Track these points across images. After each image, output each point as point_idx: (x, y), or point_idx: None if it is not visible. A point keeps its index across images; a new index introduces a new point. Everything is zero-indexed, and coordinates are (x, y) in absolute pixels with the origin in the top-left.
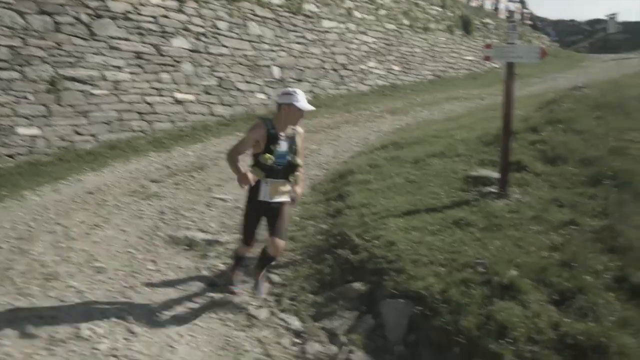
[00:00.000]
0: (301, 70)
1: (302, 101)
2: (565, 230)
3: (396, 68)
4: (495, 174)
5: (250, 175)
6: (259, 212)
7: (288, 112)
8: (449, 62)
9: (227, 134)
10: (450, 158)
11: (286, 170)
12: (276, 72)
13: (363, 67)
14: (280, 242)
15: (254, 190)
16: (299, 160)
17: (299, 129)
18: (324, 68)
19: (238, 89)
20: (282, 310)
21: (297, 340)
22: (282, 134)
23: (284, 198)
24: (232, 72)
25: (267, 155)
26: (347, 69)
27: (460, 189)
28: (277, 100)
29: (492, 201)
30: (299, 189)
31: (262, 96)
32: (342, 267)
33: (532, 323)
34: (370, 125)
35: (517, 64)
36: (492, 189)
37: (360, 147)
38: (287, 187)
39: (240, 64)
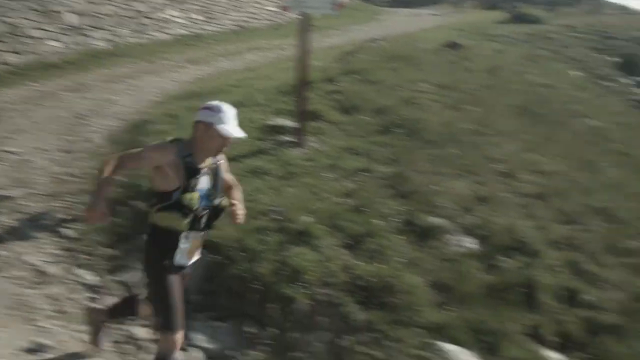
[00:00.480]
0: (99, 17)
1: (228, 124)
2: (358, 177)
3: (199, 17)
4: (293, 123)
5: (102, 213)
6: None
7: (204, 135)
8: (252, 12)
9: (19, 83)
10: (249, 107)
11: (210, 218)
12: (71, 18)
13: (164, 15)
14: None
15: (163, 248)
16: (226, 202)
17: (221, 158)
18: (122, 15)
19: (30, 36)
20: (77, 266)
21: (92, 295)
22: (201, 165)
23: (197, 256)
24: (24, 17)
25: (192, 194)
26: (148, 17)
27: (258, 138)
28: (195, 117)
29: (289, 150)
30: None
31: (56, 44)
32: (138, 219)
33: (325, 267)
34: (170, 75)
35: (315, 16)
36: (289, 138)
37: (159, 97)
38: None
39: (33, 9)
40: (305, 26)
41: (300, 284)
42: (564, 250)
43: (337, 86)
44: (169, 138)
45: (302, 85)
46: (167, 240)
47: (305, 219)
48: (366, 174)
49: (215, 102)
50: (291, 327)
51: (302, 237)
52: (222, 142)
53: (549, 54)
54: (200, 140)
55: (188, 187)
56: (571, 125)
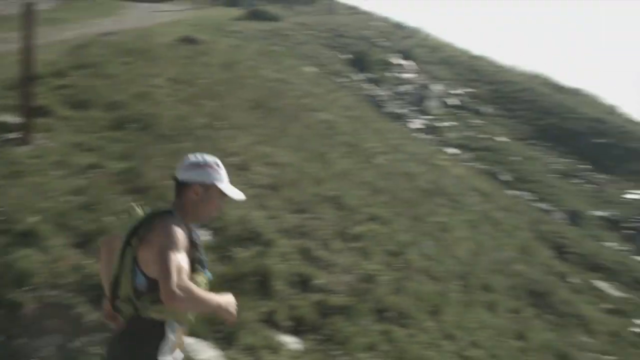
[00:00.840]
0: None
1: (227, 181)
2: (89, 173)
3: None
4: (18, 120)
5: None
6: None
7: (203, 198)
8: None
9: None
10: None
11: None
12: None
13: None
14: None
15: (148, 346)
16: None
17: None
18: None
19: None
20: None
21: None
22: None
23: (181, 354)
24: None
25: (200, 276)
26: None
27: None
28: (183, 177)
29: (14, 148)
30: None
31: None
32: None
33: (54, 268)
34: None
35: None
36: (14, 135)
37: None
38: None
39: None
40: (29, 18)
41: (27, 287)
42: (296, 238)
43: (68, 81)
44: (142, 208)
45: (27, 80)
46: (152, 335)
47: (31, 219)
48: (98, 170)
49: (207, 157)
50: (19, 333)
51: (28, 238)
52: (221, 204)
53: (284, 50)
54: (195, 205)
55: (193, 267)
56: (303, 119)
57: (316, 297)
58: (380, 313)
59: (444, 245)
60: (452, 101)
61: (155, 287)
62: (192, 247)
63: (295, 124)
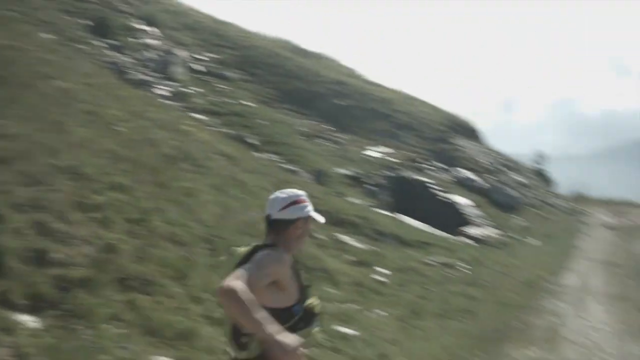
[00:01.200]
0: None
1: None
2: None
3: None
4: None
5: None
6: None
7: (304, 230)
8: None
9: None
10: None
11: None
12: None
13: None
14: None
15: None
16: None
17: None
18: None
19: None
20: None
21: None
22: None
23: None
24: None
25: (312, 299)
26: None
27: None
28: (285, 216)
29: None
30: None
31: None
32: None
33: None
34: None
35: None
36: None
37: None
38: None
39: None
40: None
41: None
42: (30, 212)
43: None
44: (253, 244)
45: None
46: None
47: None
48: None
49: (296, 191)
50: None
51: None
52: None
53: (18, 15)
54: (298, 238)
55: (303, 293)
56: (38, 88)
57: (54, 271)
58: (123, 282)
59: (188, 210)
60: (197, 67)
61: (273, 313)
62: (297, 275)
63: (28, 93)
